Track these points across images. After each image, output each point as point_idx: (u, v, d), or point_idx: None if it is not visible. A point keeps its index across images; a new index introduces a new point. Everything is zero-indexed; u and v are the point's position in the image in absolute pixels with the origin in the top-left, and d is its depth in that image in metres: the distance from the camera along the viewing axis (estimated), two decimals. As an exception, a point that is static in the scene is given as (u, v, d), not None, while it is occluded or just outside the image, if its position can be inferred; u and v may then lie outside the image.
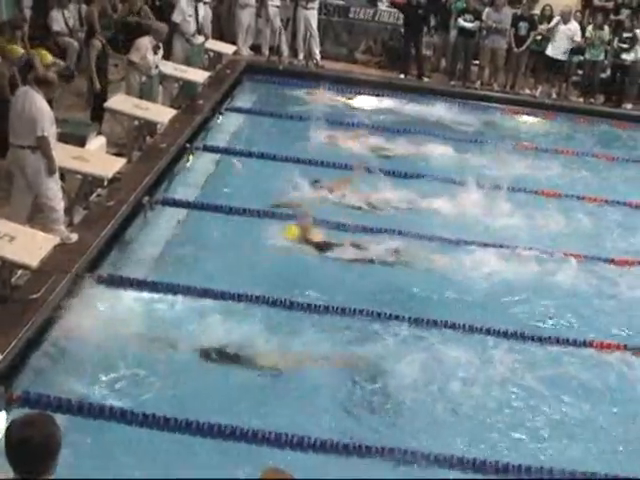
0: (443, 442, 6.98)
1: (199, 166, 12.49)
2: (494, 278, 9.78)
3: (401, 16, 18.28)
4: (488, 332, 8.56)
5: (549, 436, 7.30)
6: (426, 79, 18.03)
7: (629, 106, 17.75)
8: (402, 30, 18.14)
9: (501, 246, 10.45)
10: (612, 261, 10.64)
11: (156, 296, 8.47)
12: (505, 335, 8.54)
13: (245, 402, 7.15)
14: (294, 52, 18.04)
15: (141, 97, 12.20)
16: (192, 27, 14.69)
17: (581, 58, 17.91)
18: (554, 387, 7.89)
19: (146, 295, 8.49)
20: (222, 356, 7.59)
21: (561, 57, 17.49)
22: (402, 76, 17.91)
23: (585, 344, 8.64)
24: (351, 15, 19.22)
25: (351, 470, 6.53)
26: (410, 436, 7.02)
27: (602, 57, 17.86)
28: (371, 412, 7.35)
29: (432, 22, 18.22)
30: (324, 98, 15.99)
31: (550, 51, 17.46)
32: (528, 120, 17.06)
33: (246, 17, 17.56)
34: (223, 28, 18.01)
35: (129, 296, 8.42)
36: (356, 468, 6.55)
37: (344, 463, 6.57)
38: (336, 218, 10.66)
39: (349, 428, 7.04)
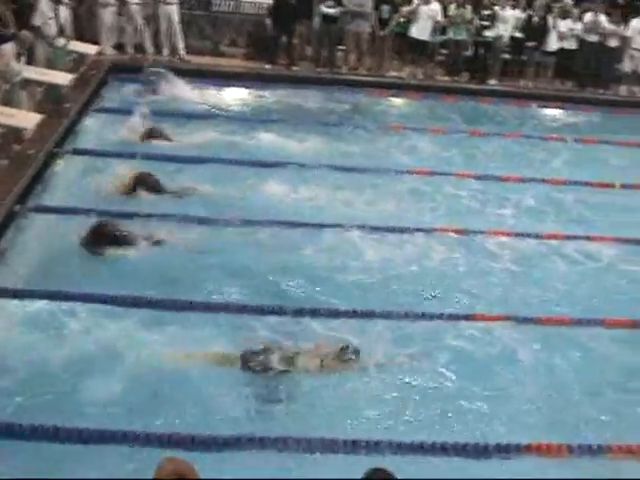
0: (336, 428, 6.97)
1: (69, 170, 12.19)
2: (371, 259, 9.88)
3: (263, 6, 18.29)
4: (370, 315, 8.62)
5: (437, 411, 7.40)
6: (294, 68, 18.08)
7: (493, 82, 18.21)
8: (268, 20, 18.05)
9: (374, 227, 10.57)
10: (488, 233, 10.89)
11: (32, 304, 8.25)
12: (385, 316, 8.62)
13: (132, 403, 7.03)
14: (158, 49, 17.83)
15: (5, 104, 11.87)
16: (53, 29, 14.33)
17: (445, 38, 18.26)
18: (435, 362, 7.97)
19: (21, 303, 8.25)
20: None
21: (425, 38, 17.77)
22: (269, 66, 17.92)
23: (468, 317, 8.77)
24: (214, 8, 19.09)
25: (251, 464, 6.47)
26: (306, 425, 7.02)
27: (465, 36, 18.23)
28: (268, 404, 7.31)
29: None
30: (191, 93, 15.83)
31: (414, 32, 17.72)
32: (396, 102, 17.29)
33: (108, 16, 17.27)
34: (84, 28, 17.62)
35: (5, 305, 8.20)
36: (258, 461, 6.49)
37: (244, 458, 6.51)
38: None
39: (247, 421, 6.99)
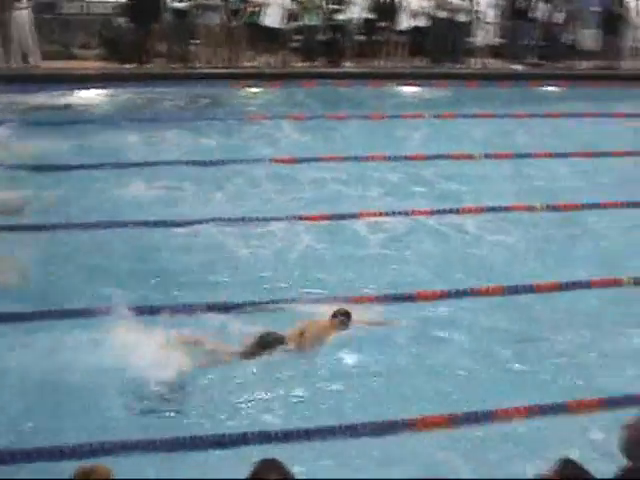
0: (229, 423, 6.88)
1: None
2: (233, 252, 9.82)
3: (113, 5, 17.87)
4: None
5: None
6: (148, 65, 17.70)
7: (349, 64, 18.24)
8: (120, 19, 17.55)
9: (235, 220, 10.51)
10: (359, 215, 10.89)
11: None
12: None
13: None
14: (8, 55, 17.10)
15: None
16: None
17: (298, 24, 18.19)
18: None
19: None
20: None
21: (276, 25, 17.65)
22: (122, 66, 17.48)
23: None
24: (63, 10, 18.47)
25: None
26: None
27: (317, 21, 18.18)
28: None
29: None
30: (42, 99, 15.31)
31: (265, 21, 17.59)
32: (254, 92, 17.11)
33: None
34: None
35: None
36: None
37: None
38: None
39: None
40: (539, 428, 6.98)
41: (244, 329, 7.98)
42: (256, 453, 5.35)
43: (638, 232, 11.29)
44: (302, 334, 7.86)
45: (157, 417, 6.88)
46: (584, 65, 19.13)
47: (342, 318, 8.08)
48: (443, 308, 8.81)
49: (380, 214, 11.00)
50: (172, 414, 6.93)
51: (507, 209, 11.55)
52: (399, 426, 6.86)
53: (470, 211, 11.35)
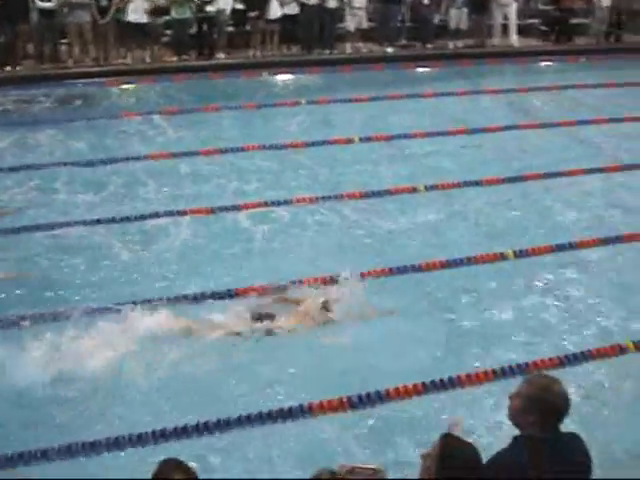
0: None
1: None
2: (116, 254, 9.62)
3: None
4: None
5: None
6: (17, 67, 17.15)
7: (221, 56, 18.07)
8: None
9: (122, 218, 10.34)
10: (240, 207, 10.81)
11: None
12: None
13: None
14: None
15: None
16: None
17: (167, 18, 17.91)
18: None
19: None
20: None
21: (141, 20, 17.32)
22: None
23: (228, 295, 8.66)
24: None
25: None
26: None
27: (188, 14, 17.93)
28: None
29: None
30: None
31: (131, 17, 17.25)
32: (127, 89, 16.77)
33: None
34: None
35: None
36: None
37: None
38: None
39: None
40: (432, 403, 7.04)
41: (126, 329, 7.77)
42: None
43: (518, 206, 11.51)
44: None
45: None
46: (455, 44, 19.38)
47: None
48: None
49: (261, 204, 10.91)
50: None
51: (389, 192, 11.60)
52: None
53: (351, 196, 11.35)
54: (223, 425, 6.67)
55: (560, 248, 10.14)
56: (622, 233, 10.69)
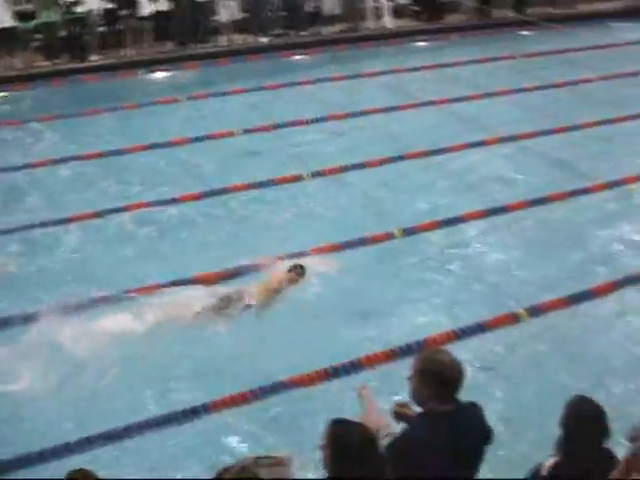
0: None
1: None
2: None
3: None
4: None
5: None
6: None
7: (94, 57, 17.71)
8: None
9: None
10: (124, 209, 10.70)
11: None
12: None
13: None
14: None
15: None
16: None
17: (36, 22, 17.47)
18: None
19: None
20: None
21: (5, 25, 16.85)
22: None
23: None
24: None
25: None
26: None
27: (56, 17, 17.51)
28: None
29: None
30: None
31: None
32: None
33: None
34: None
35: None
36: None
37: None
38: None
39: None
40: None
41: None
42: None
43: (402, 185, 11.69)
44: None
45: None
46: (329, 30, 19.49)
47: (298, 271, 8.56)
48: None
49: (146, 205, 10.82)
50: None
51: (274, 182, 11.63)
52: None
53: (237, 189, 11.35)
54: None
55: (446, 223, 10.38)
56: (504, 204, 11.00)
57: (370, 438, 4.13)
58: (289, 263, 8.70)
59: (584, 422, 4.67)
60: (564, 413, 4.73)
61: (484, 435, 4.71)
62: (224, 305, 8.17)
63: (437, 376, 4.50)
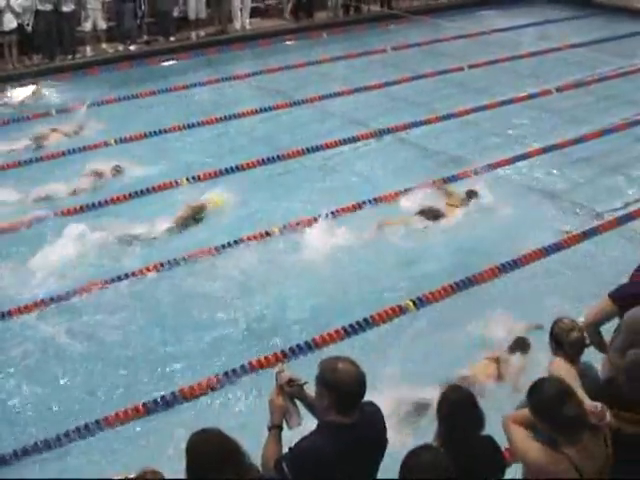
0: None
1: None
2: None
3: None
4: None
5: None
6: None
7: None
8: None
9: None
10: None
11: None
12: None
13: None
14: None
15: None
16: None
17: None
18: None
19: None
20: None
21: None
22: None
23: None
24: None
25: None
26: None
27: None
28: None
29: None
30: None
31: None
32: None
33: None
34: None
35: None
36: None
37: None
38: None
39: None
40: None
41: None
42: None
43: (282, 183, 11.71)
44: None
45: None
46: (197, 34, 19.32)
47: None
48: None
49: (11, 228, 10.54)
50: None
51: (151, 190, 11.51)
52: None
53: (120, 200, 11.20)
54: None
55: (328, 216, 10.43)
56: (376, 195, 11.18)
57: (226, 447, 4.11)
58: None
59: (455, 410, 4.70)
60: (438, 402, 4.79)
61: (381, 444, 4.58)
62: None
63: (335, 389, 4.32)
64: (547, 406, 4.44)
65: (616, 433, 4.62)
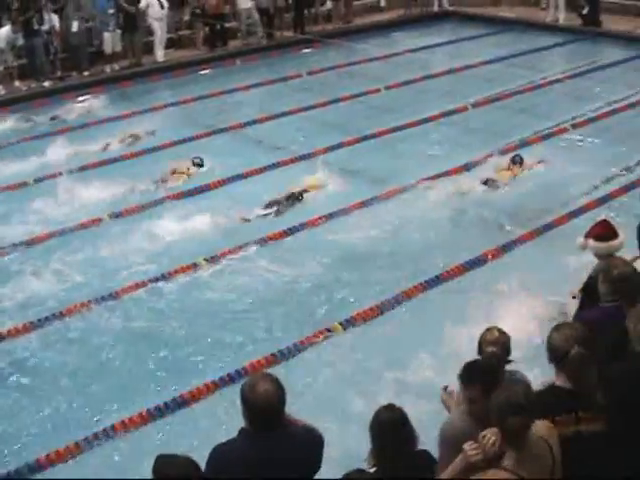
0: None
1: None
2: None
3: None
4: None
5: None
6: None
7: None
8: None
9: None
10: None
11: None
12: None
13: None
14: None
15: None
16: None
17: None
18: None
19: None
20: None
21: None
22: None
23: None
24: None
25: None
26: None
27: None
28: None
29: None
30: None
31: None
32: None
33: None
34: None
35: None
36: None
37: None
38: None
39: None
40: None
41: None
42: None
43: (200, 220, 11.51)
44: None
45: None
46: (112, 68, 19.12)
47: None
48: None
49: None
50: None
51: (81, 226, 11.40)
52: None
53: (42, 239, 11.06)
54: None
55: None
56: (302, 221, 11.27)
57: (187, 474, 4.11)
58: None
59: (385, 429, 4.70)
60: (370, 423, 4.77)
61: (306, 465, 4.54)
62: None
63: (248, 407, 4.37)
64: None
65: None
